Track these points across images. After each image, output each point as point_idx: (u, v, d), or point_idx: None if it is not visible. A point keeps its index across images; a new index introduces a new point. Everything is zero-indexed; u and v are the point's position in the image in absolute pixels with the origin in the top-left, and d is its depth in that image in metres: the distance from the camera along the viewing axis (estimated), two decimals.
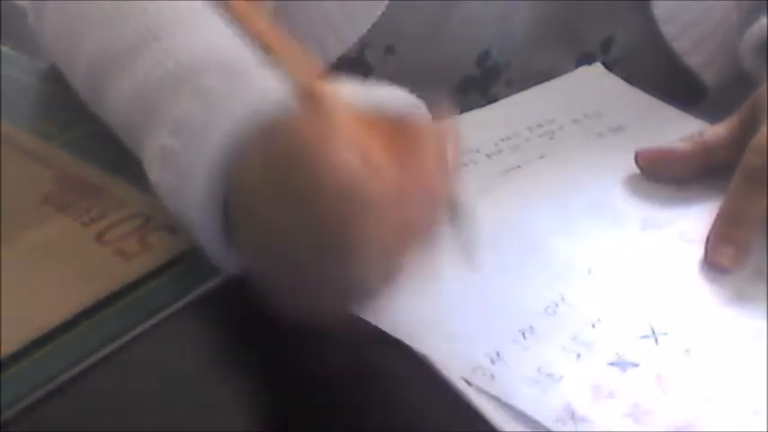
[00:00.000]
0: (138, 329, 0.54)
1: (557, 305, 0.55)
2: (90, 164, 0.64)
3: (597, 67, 0.75)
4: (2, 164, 0.63)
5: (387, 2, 0.73)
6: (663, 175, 0.63)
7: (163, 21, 0.61)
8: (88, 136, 0.67)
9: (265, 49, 0.50)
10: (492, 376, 0.51)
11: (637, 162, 0.64)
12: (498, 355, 0.52)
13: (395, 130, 0.50)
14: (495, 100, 0.70)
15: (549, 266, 0.57)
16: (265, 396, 0.51)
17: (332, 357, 0.54)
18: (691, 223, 0.60)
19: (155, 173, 0.56)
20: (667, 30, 0.76)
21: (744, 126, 0.62)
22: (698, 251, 0.58)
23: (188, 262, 0.57)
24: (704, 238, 0.59)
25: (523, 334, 0.53)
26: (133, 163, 0.63)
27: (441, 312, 0.54)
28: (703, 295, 0.56)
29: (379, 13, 0.73)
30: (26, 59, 0.75)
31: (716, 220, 0.59)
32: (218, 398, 0.51)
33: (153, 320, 0.54)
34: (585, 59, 0.79)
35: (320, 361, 0.53)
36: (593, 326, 0.54)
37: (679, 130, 0.65)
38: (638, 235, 0.60)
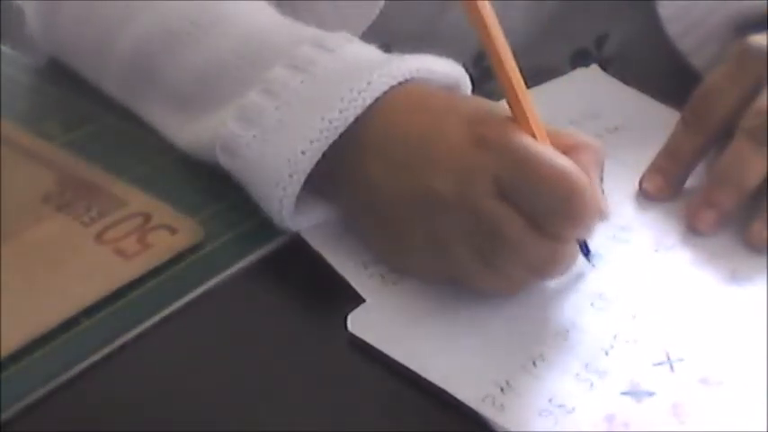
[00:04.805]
0: (138, 329, 0.54)
1: (567, 332, 0.54)
2: (90, 164, 0.64)
3: (594, 69, 0.75)
4: (2, 164, 0.63)
5: (382, 3, 0.73)
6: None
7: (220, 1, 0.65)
8: (88, 136, 0.67)
9: (489, 53, 0.55)
10: (502, 406, 0.50)
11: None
12: (508, 383, 0.51)
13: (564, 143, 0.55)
14: (491, 97, 0.70)
15: (557, 291, 0.56)
16: (266, 396, 0.52)
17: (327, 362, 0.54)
18: (703, 244, 0.60)
19: (231, 125, 0.58)
20: (672, 29, 0.76)
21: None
22: (712, 272, 0.58)
23: (188, 262, 0.58)
24: (714, 259, 0.59)
25: (534, 362, 0.52)
26: (133, 163, 0.64)
27: (449, 340, 0.53)
28: (720, 319, 0.55)
29: (374, 16, 0.73)
30: (26, 59, 0.75)
31: (707, 182, 0.61)
32: (219, 397, 0.51)
33: (153, 320, 0.54)
34: (579, 56, 0.80)
35: (317, 361, 0.54)
36: (607, 353, 0.53)
37: None
38: (650, 257, 0.59)
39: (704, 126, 0.63)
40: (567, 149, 0.55)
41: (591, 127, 0.69)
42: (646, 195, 0.63)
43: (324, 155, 0.56)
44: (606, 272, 0.58)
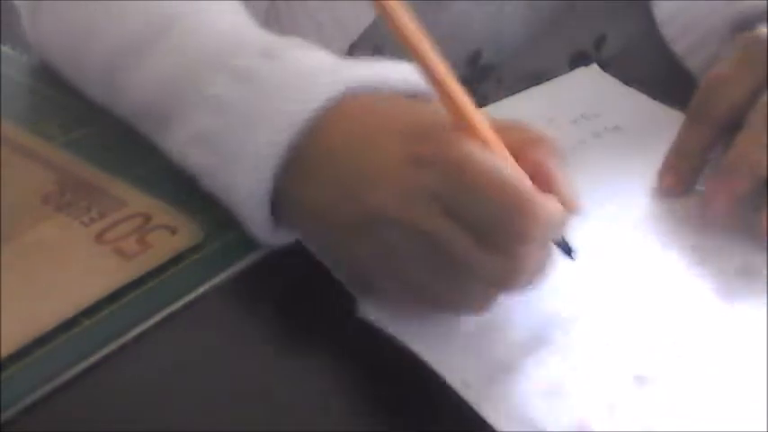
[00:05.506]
0: (138, 329, 0.54)
1: (575, 316, 0.54)
2: (90, 164, 0.64)
3: (594, 68, 0.75)
4: (2, 164, 0.63)
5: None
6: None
7: (178, 8, 0.63)
8: (88, 136, 0.67)
9: (407, 49, 0.51)
10: (505, 388, 0.51)
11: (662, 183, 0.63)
12: (512, 366, 0.52)
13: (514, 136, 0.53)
14: (486, 98, 0.71)
15: (565, 279, 0.56)
16: (266, 396, 0.52)
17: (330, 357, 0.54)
18: (701, 246, 0.60)
19: (193, 154, 0.58)
20: (667, 32, 0.76)
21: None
22: (718, 266, 0.58)
23: (188, 262, 0.58)
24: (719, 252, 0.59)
25: (538, 346, 0.53)
26: (133, 163, 0.64)
27: (455, 322, 0.54)
28: (722, 312, 0.55)
29: (371, 18, 0.73)
30: (26, 59, 0.75)
31: (721, 171, 0.60)
32: (219, 397, 0.51)
33: (153, 320, 0.54)
34: (578, 58, 0.80)
35: (317, 361, 0.54)
36: (610, 340, 0.53)
37: (675, 129, 0.65)
38: (657, 253, 0.59)
39: (710, 117, 0.62)
40: (519, 146, 0.52)
41: (590, 126, 0.69)
42: (660, 194, 0.63)
43: (284, 175, 0.54)
44: (614, 264, 0.58)
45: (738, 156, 0.60)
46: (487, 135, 0.51)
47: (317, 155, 0.53)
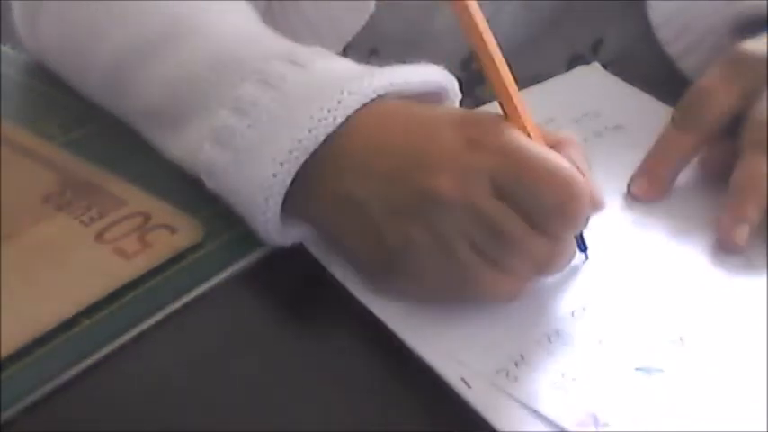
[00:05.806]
0: (138, 328, 0.54)
1: (583, 309, 0.55)
2: (90, 163, 0.64)
3: (595, 67, 0.75)
4: (2, 164, 0.63)
5: (372, 5, 0.73)
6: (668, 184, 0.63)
7: (191, 8, 0.63)
8: (88, 136, 0.67)
9: (476, 46, 0.54)
10: (515, 378, 0.51)
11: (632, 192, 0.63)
12: (522, 357, 0.52)
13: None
14: (482, 102, 0.70)
15: (575, 272, 0.57)
16: (266, 396, 0.52)
17: (332, 358, 0.54)
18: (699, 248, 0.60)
19: (207, 151, 0.58)
20: (662, 34, 0.76)
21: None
22: (721, 261, 0.59)
23: (188, 261, 0.58)
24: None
25: (549, 338, 0.53)
26: (133, 162, 0.64)
27: (466, 313, 0.54)
28: (730, 301, 0.56)
29: (364, 20, 0.73)
30: (26, 59, 0.75)
31: (732, 197, 0.59)
32: (218, 397, 0.51)
33: (153, 320, 0.54)
34: (576, 62, 0.79)
35: (317, 361, 0.54)
36: (620, 331, 0.54)
37: None
38: (664, 242, 0.60)
39: (695, 127, 0.62)
40: (553, 146, 0.55)
41: (592, 125, 0.69)
42: (633, 198, 0.63)
43: (301, 174, 0.55)
44: (621, 256, 0.59)
45: (745, 185, 0.59)
46: (534, 131, 0.54)
47: (358, 154, 0.55)
